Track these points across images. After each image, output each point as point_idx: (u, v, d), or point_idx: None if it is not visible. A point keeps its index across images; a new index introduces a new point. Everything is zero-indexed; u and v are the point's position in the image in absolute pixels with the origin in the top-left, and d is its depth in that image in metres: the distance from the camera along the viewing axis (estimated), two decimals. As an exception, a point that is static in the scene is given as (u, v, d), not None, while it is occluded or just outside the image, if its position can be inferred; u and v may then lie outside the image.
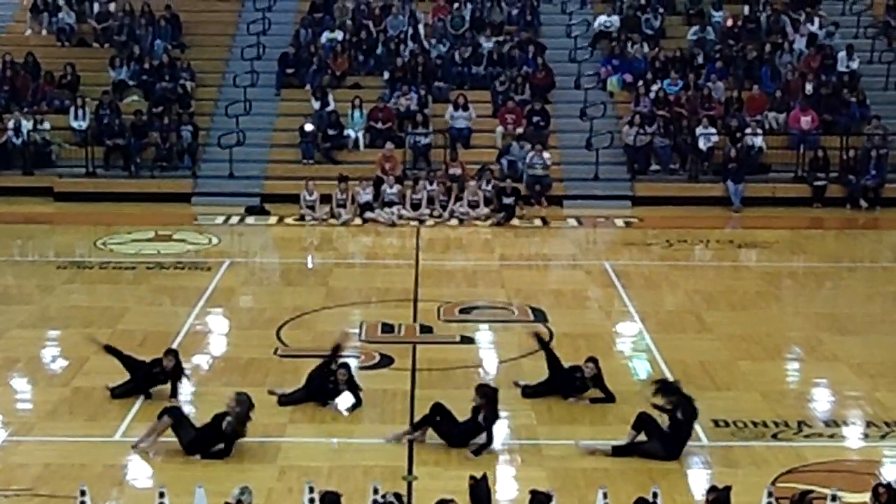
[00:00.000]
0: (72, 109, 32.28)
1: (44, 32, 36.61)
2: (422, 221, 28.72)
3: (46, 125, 31.92)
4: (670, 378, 16.43)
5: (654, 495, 12.04)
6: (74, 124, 32.07)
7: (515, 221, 28.90)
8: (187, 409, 16.63)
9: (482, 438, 14.87)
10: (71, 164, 31.59)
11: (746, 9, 36.89)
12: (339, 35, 35.37)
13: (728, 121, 32.19)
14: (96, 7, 36.68)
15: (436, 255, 26.11)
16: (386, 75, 34.08)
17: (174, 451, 14.88)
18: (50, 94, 33.27)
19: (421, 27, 35.99)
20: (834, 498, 12.29)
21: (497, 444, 15.26)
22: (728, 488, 12.00)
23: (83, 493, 12.29)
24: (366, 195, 29.12)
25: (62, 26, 36.22)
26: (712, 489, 12.11)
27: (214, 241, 26.93)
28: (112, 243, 26.30)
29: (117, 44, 35.49)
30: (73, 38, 36.25)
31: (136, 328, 19.79)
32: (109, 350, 17.10)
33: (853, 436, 15.72)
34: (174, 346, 18.50)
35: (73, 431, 15.56)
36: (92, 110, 32.22)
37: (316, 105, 32.53)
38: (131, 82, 33.95)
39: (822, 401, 17.03)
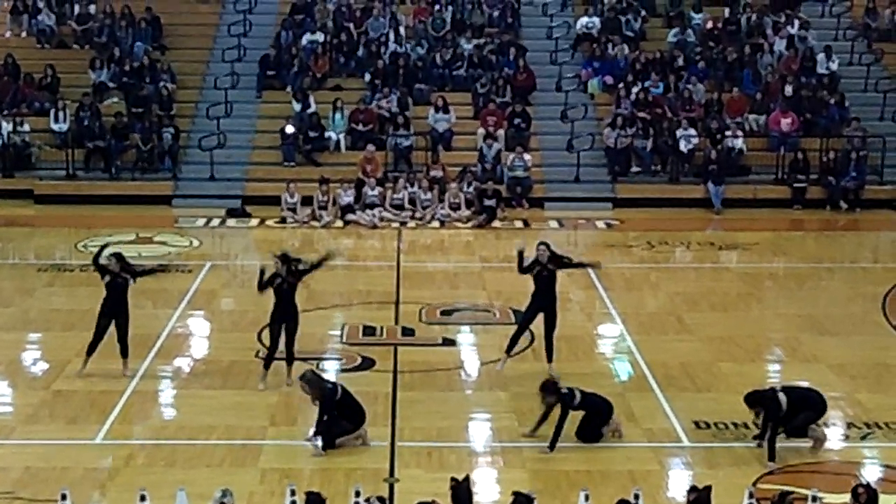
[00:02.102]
0: (52, 111, 32.18)
1: (24, 34, 36.48)
2: (403, 223, 28.72)
3: (26, 127, 31.83)
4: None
5: (636, 497, 12.07)
6: (54, 126, 31.98)
7: (497, 223, 28.91)
8: (169, 413, 16.67)
9: None
10: (51, 166, 31.49)
11: (727, 11, 36.99)
12: (319, 37, 35.34)
13: (708, 123, 32.26)
14: (76, 9, 36.57)
15: (417, 257, 26.11)
16: (367, 77, 34.06)
17: (156, 454, 14.88)
18: (30, 97, 33.15)
19: (402, 29, 35.98)
20: (814, 499, 12.34)
21: (479, 446, 15.30)
22: (708, 488, 12.03)
23: (64, 496, 12.25)
24: (347, 197, 29.11)
25: (42, 28, 36.10)
26: (692, 489, 12.14)
27: (195, 243, 26.88)
28: (93, 246, 26.13)
29: (97, 45, 35.39)
30: (53, 40, 36.13)
31: (117, 331, 19.74)
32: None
33: (834, 436, 15.75)
34: (155, 348, 18.53)
35: (53, 434, 15.54)
36: (72, 112, 32.10)
37: (297, 107, 32.49)
38: (111, 84, 33.85)
39: (802, 402, 17.08)
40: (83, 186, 30.86)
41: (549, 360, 17.85)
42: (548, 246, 17.92)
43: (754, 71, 34.16)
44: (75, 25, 36.28)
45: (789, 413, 14.77)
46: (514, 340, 18.06)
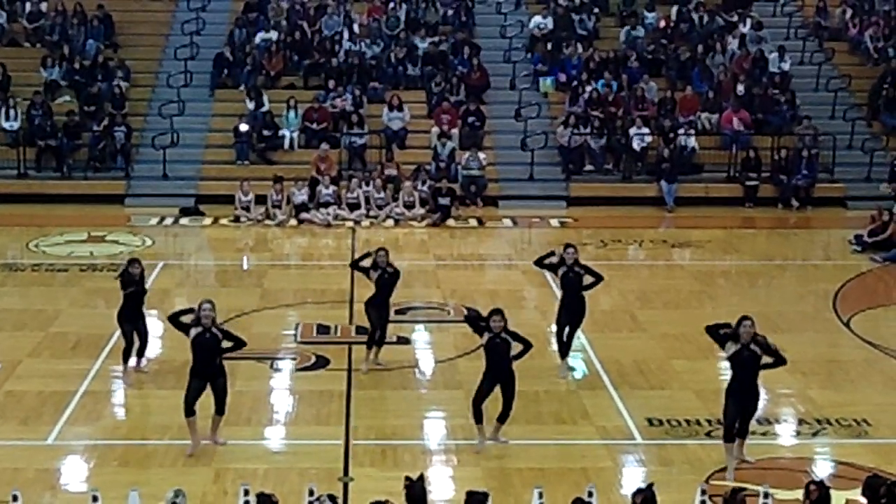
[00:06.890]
0: (2, 110, 31.88)
1: (-27, 32, 36.21)
2: (357, 222, 28.68)
3: (-24, 126, 31.61)
4: None
5: (590, 494, 12.12)
6: (5, 125, 31.69)
7: (451, 222, 28.93)
8: (122, 413, 16.59)
9: None
10: (2, 165, 31.17)
11: (676, 10, 37.09)
12: (273, 35, 35.23)
13: (661, 121, 32.41)
14: (27, 6, 36.25)
15: (372, 255, 26.04)
16: (321, 75, 33.97)
17: (108, 454, 14.80)
18: (-20, 95, 32.91)
19: (356, 27, 35.93)
20: (766, 495, 12.42)
21: (433, 444, 15.32)
22: (651, 485, 11.98)
23: (15, 497, 12.16)
24: (301, 196, 29.04)
25: (-8, 26, 35.85)
26: (638, 492, 12.06)
27: (148, 242, 26.73)
28: (44, 245, 26.04)
29: (49, 44, 35.12)
30: (4, 38, 35.81)
31: (69, 331, 19.64)
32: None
33: (786, 433, 15.91)
34: (108, 348, 18.44)
35: (5, 435, 15.44)
36: (23, 111, 31.84)
37: (250, 105, 32.38)
38: (63, 82, 33.60)
39: (754, 399, 17.20)
40: (35, 185, 30.61)
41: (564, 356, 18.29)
42: (575, 249, 18.38)
43: (705, 69, 34.30)
44: (26, 23, 35.97)
45: None
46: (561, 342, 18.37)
